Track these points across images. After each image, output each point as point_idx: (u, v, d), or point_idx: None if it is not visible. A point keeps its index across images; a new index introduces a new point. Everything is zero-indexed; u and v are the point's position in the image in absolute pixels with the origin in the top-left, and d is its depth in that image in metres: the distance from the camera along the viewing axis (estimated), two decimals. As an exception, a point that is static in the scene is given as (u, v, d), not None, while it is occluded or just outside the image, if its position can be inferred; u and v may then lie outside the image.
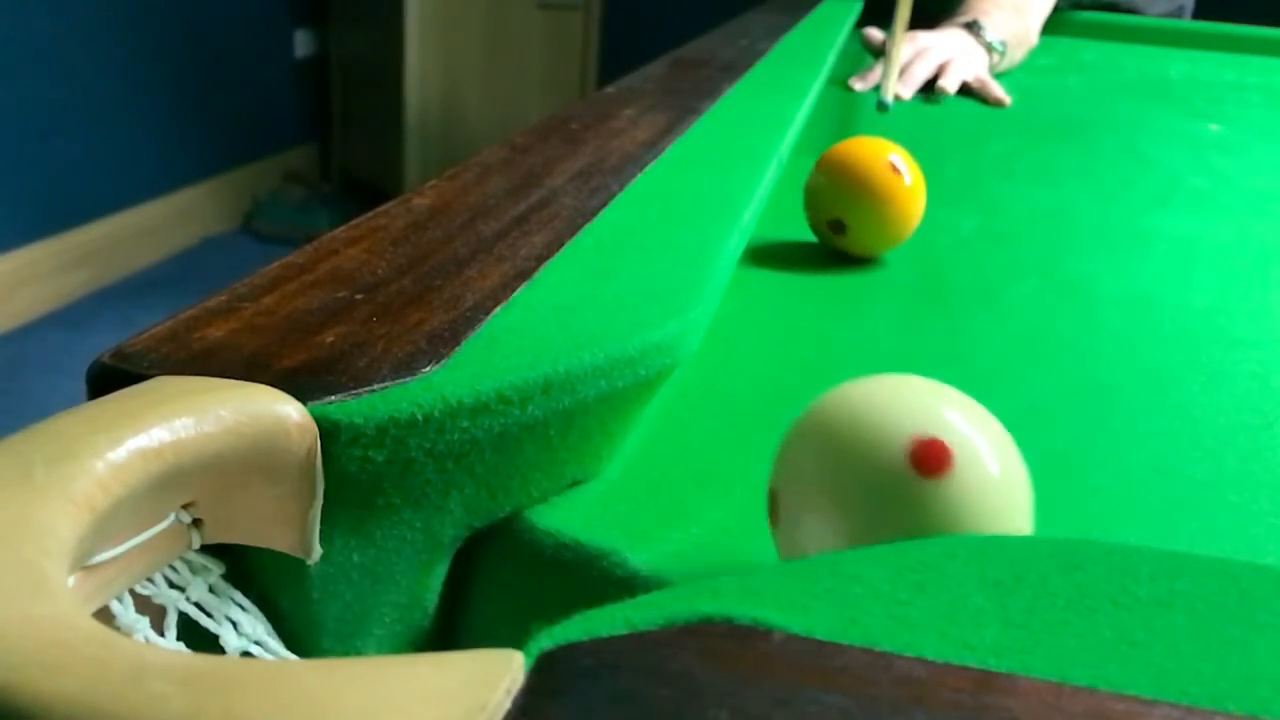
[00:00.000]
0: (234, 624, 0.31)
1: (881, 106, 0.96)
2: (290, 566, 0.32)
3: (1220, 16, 1.75)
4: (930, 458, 0.29)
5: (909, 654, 0.23)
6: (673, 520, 0.37)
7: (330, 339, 0.35)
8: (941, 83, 1.19)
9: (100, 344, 0.35)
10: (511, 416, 0.34)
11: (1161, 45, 1.66)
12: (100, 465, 0.25)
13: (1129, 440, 0.46)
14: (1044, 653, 0.24)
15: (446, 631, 0.37)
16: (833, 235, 0.64)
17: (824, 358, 0.52)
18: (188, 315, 0.36)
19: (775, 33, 1.24)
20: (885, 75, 1.05)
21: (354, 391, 0.32)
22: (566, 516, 0.37)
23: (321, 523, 0.31)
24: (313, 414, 0.30)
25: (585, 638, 0.23)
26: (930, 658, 0.23)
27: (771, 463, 0.32)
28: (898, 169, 0.61)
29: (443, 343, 0.35)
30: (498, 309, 0.39)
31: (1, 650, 0.20)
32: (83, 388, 0.32)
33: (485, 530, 0.36)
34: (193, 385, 0.30)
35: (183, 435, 0.28)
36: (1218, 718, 0.22)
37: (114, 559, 0.27)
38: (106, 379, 0.32)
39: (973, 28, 1.30)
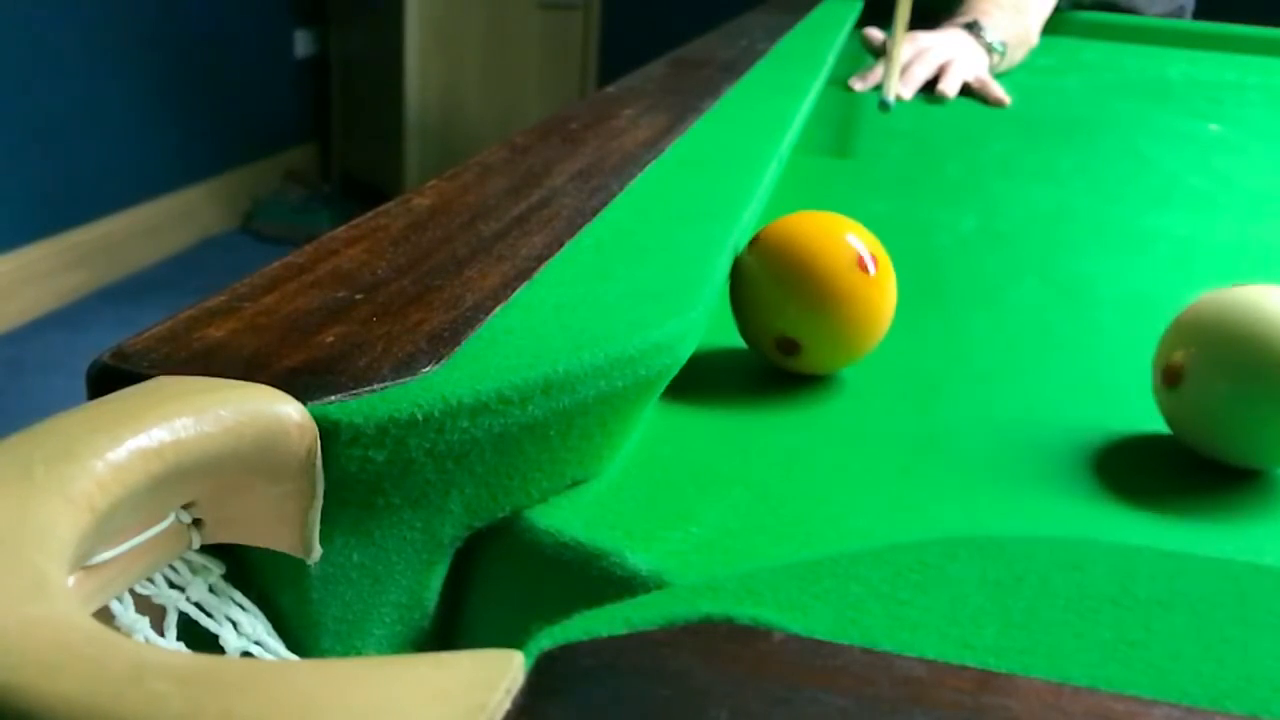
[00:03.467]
0: (234, 624, 0.31)
1: (883, 106, 0.97)
2: (290, 566, 0.32)
3: (1220, 16, 1.75)
4: None
5: (909, 654, 0.23)
6: (673, 520, 0.37)
7: (330, 339, 0.35)
8: (941, 86, 1.19)
9: (100, 344, 0.35)
10: (511, 416, 0.34)
11: (1161, 45, 1.66)
12: (100, 465, 0.25)
13: (1128, 440, 0.46)
14: (1044, 653, 0.24)
15: (446, 631, 0.37)
16: (782, 356, 0.47)
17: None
18: (188, 315, 0.36)
19: (775, 33, 1.24)
20: (886, 75, 1.05)
21: (354, 391, 0.32)
22: (566, 516, 0.37)
23: (321, 523, 0.31)
24: (313, 414, 0.30)
25: (585, 638, 0.23)
26: (930, 658, 0.23)
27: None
28: (864, 263, 0.46)
29: (443, 343, 0.35)
30: (498, 309, 0.39)
31: (1, 650, 0.20)
32: (83, 388, 0.32)
33: (485, 530, 0.36)
34: (192, 385, 0.30)
35: (183, 435, 0.28)
36: (1218, 718, 0.22)
37: (114, 559, 0.27)
38: (106, 379, 0.32)
39: (973, 28, 1.30)
